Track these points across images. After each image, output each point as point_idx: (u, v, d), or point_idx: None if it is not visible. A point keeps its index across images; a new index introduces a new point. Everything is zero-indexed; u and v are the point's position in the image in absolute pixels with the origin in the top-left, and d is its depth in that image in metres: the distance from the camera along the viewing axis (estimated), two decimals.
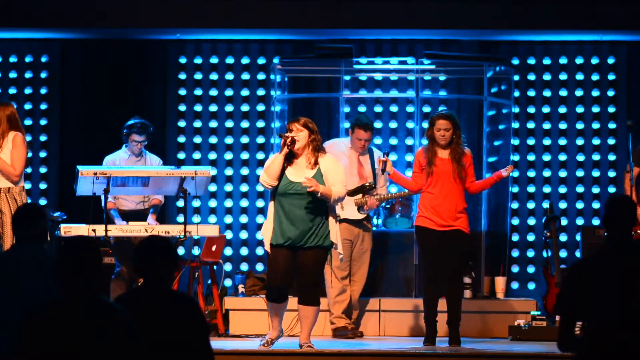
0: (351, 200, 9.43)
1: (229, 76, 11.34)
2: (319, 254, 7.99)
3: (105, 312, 4.59)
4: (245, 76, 11.34)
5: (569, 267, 6.15)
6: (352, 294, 9.54)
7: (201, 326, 5.03)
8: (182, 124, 11.32)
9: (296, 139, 7.95)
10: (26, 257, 5.99)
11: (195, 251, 10.45)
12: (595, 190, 11.10)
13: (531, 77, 11.27)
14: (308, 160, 7.99)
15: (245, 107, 11.32)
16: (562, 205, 11.16)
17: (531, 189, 11.21)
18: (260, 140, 11.27)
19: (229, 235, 11.12)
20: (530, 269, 11.10)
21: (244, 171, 11.26)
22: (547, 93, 11.25)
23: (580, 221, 11.09)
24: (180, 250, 10.71)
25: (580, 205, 11.16)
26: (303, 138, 7.96)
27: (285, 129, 8.08)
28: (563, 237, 11.04)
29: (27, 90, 11.34)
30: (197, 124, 11.31)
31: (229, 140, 11.30)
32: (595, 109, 11.21)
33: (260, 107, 11.32)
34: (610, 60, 11.21)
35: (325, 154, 8.08)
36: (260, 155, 11.24)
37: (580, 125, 11.20)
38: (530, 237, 11.17)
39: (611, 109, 11.19)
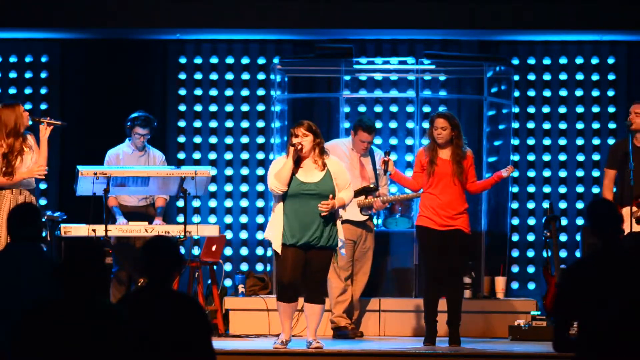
0: (354, 202, 9.44)
1: (229, 76, 11.34)
2: (328, 254, 8.21)
3: (103, 312, 4.59)
4: (245, 76, 11.34)
5: (564, 269, 6.17)
6: (354, 293, 9.56)
7: (204, 327, 5.03)
8: (182, 124, 11.32)
9: (303, 145, 8.16)
10: (23, 256, 5.98)
11: (195, 251, 10.45)
12: (595, 190, 11.09)
13: (531, 77, 11.26)
14: (315, 162, 8.22)
15: (245, 107, 11.32)
16: (562, 205, 11.16)
17: (531, 189, 11.21)
18: (260, 140, 11.27)
19: (229, 235, 11.11)
20: (530, 269, 11.10)
21: (244, 171, 11.26)
22: (547, 93, 11.25)
23: (580, 221, 11.09)
24: (180, 251, 10.70)
25: (580, 205, 11.15)
26: (309, 142, 8.20)
27: (290, 133, 8.26)
28: (563, 237, 11.04)
29: (27, 90, 11.34)
30: (197, 124, 11.31)
31: (229, 140, 11.30)
32: (595, 109, 11.21)
33: (260, 107, 11.31)
34: (610, 60, 11.21)
35: (330, 156, 8.32)
36: (260, 155, 11.24)
37: (580, 125, 11.20)
38: (530, 237, 11.17)
39: (611, 109, 11.19)
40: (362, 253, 9.56)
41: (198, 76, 11.33)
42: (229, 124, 11.30)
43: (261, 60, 11.33)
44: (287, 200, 8.18)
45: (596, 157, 11.15)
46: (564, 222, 10.92)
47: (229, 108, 11.31)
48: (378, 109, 11.20)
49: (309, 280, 8.20)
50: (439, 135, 8.74)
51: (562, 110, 11.22)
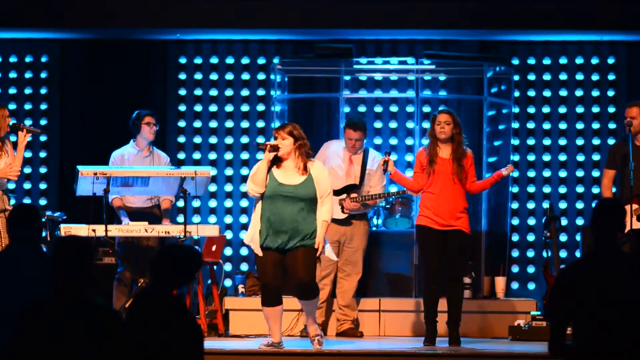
0: (336, 200, 9.41)
1: (229, 76, 11.34)
2: (307, 252, 8.04)
3: (97, 312, 4.59)
4: (245, 76, 11.34)
5: (558, 272, 6.16)
6: (346, 293, 9.53)
7: (193, 330, 5.01)
8: (182, 124, 11.32)
9: (279, 146, 8.06)
10: (22, 256, 5.98)
11: None
12: (595, 190, 11.10)
13: (531, 77, 11.27)
14: (297, 165, 8.10)
15: (245, 107, 11.33)
16: (562, 205, 11.16)
17: (531, 189, 11.21)
18: (260, 140, 11.26)
19: (229, 235, 11.12)
20: (530, 269, 11.10)
21: (244, 171, 11.26)
22: (547, 93, 11.25)
23: (580, 221, 11.09)
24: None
25: (580, 205, 11.16)
26: (287, 145, 8.09)
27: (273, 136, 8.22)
28: (563, 237, 11.04)
29: (27, 90, 11.34)
30: (197, 124, 11.32)
31: (229, 140, 11.30)
32: (595, 109, 11.21)
33: (260, 107, 11.32)
34: (610, 60, 11.22)
35: (315, 161, 8.21)
36: (260, 156, 11.22)
37: (580, 126, 11.20)
38: (530, 237, 11.17)
39: (611, 109, 11.19)
40: (349, 253, 9.51)
41: (198, 76, 11.34)
42: (229, 124, 11.31)
43: (261, 60, 11.33)
44: (264, 202, 8.10)
45: (596, 157, 11.16)
46: (564, 222, 10.93)
47: (229, 108, 11.32)
48: (378, 109, 11.20)
49: (297, 282, 8.05)
50: (442, 130, 8.73)
51: (562, 110, 11.22)
